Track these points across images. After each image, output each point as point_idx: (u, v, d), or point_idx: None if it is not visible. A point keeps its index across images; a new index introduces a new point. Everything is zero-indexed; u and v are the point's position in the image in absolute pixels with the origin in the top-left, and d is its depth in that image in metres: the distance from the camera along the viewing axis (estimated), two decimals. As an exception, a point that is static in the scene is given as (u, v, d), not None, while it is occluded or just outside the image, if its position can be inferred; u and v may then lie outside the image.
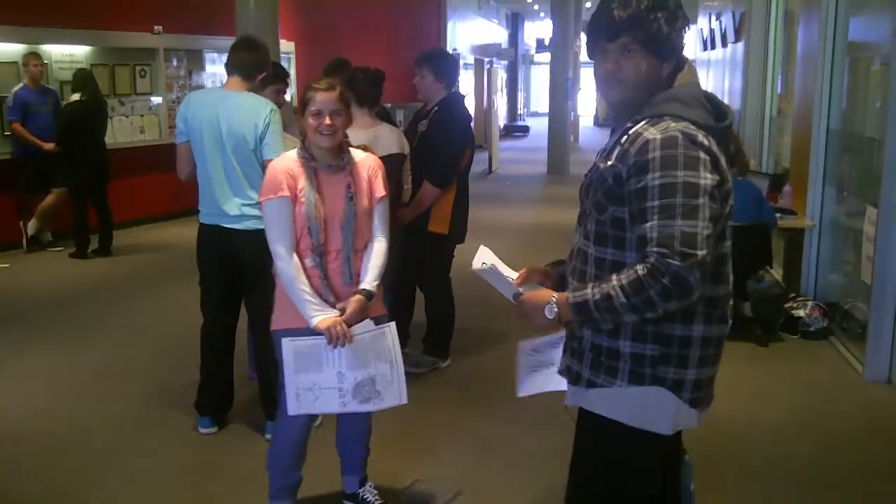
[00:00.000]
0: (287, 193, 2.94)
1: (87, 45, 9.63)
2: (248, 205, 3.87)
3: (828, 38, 5.91)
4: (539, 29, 35.57)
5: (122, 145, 9.77)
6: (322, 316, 2.93)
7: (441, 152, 4.75)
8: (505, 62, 27.82)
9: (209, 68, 11.49)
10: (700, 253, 1.82)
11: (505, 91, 27.70)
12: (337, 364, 2.96)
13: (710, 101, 2.03)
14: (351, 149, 3.15)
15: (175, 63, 10.89)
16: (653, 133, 1.92)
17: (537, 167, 16.61)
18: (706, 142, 1.92)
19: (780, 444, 4.08)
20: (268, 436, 4.02)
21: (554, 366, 2.36)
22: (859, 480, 3.77)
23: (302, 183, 2.97)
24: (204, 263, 4.10)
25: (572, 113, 17.22)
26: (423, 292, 5.17)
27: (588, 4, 23.06)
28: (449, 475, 3.78)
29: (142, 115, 10.41)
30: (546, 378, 2.59)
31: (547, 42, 33.87)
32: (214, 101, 3.95)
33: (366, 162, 3.14)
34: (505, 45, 28.08)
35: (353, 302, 2.99)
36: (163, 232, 9.88)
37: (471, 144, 4.99)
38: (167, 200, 10.36)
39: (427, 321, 5.19)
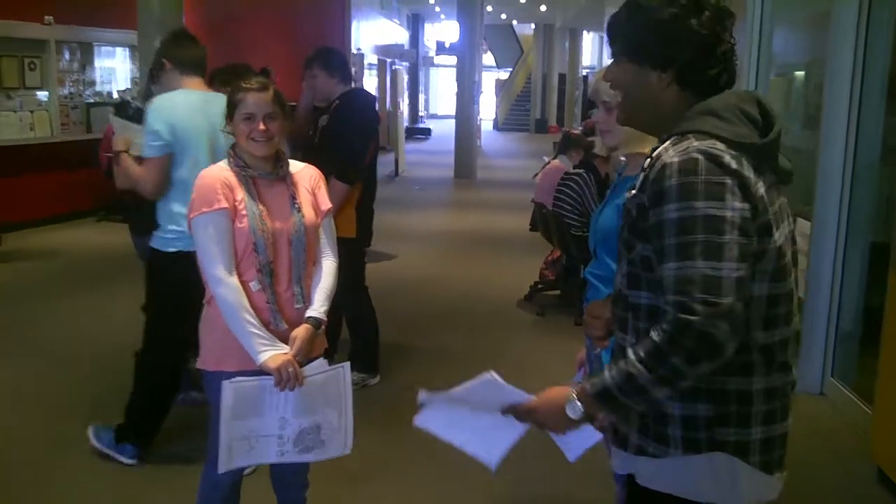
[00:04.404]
0: (225, 205, 2.53)
1: (-31, 33, 8.97)
2: None
3: (752, 49, 5.94)
4: (439, 31, 35.58)
5: (10, 142, 9.12)
6: (271, 352, 2.53)
7: (343, 145, 4.50)
8: (406, 64, 27.66)
9: (104, 62, 10.86)
10: (726, 301, 1.55)
11: (406, 93, 27.55)
12: (281, 409, 2.58)
13: (756, 108, 1.76)
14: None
15: (67, 56, 10.25)
16: (671, 156, 1.65)
17: (444, 171, 16.47)
18: (734, 164, 1.63)
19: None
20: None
21: None
22: (804, 495, 3.72)
23: (241, 194, 2.57)
24: (168, 295, 3.61)
25: (478, 117, 17.16)
26: (339, 305, 4.91)
27: (489, 8, 23.08)
28: (392, 505, 3.55)
29: (31, 111, 9.73)
30: (585, 432, 2.44)
31: (448, 44, 34.10)
32: (200, 106, 3.45)
33: (305, 173, 2.79)
34: (406, 46, 27.92)
35: (302, 331, 2.62)
36: (54, 235, 9.26)
37: (374, 137, 4.76)
38: (59, 202, 9.77)
39: (350, 336, 4.93)
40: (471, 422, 1.94)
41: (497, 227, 10.66)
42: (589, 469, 2.96)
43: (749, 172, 1.65)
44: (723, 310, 1.55)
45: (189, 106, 3.45)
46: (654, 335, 1.60)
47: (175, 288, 3.07)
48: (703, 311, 1.55)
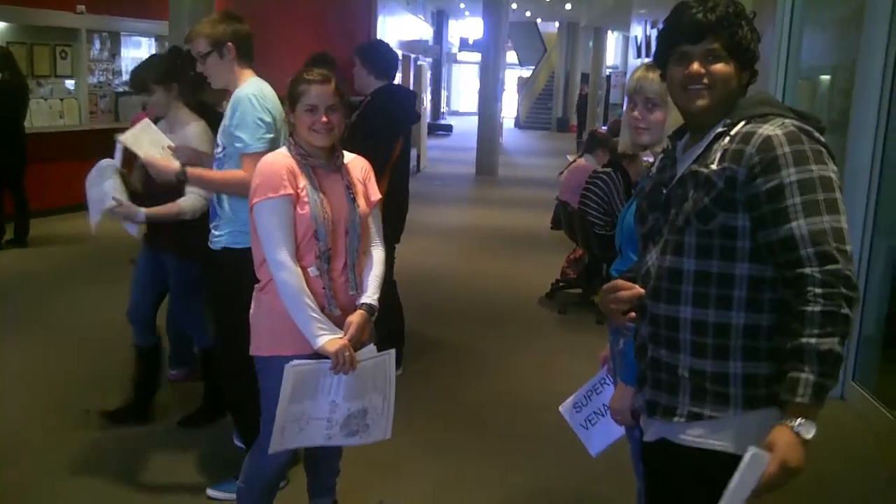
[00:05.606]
0: (290, 191, 2.59)
1: (2, 21, 9.08)
2: None
3: (781, 51, 5.93)
4: (463, 27, 35.58)
5: (40, 130, 9.22)
6: (329, 337, 2.59)
7: (366, 142, 4.39)
8: (430, 59, 27.67)
9: (130, 52, 10.97)
10: (849, 248, 1.75)
11: (429, 89, 27.58)
12: (333, 392, 2.64)
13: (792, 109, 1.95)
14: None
15: (98, 45, 10.36)
16: (771, 129, 1.82)
17: (465, 167, 16.51)
18: (822, 138, 1.85)
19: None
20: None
21: (608, 412, 2.23)
22: (823, 499, 3.74)
23: (303, 181, 2.64)
24: (244, 292, 2.93)
25: (500, 114, 17.18)
26: None
27: (514, 5, 23.05)
28: (418, 493, 3.60)
29: (61, 99, 9.86)
30: (608, 427, 2.49)
31: (471, 41, 34.04)
32: (276, 96, 3.22)
33: (357, 163, 2.87)
34: (430, 42, 27.93)
35: (357, 317, 2.68)
36: (82, 222, 9.30)
37: (401, 135, 4.75)
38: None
39: (377, 327, 4.98)
40: None
41: (519, 224, 10.69)
42: (608, 464, 3.00)
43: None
44: (850, 256, 1.74)
45: (275, 96, 3.23)
46: (811, 306, 1.71)
47: (246, 282, 2.87)
48: (841, 258, 1.72)
